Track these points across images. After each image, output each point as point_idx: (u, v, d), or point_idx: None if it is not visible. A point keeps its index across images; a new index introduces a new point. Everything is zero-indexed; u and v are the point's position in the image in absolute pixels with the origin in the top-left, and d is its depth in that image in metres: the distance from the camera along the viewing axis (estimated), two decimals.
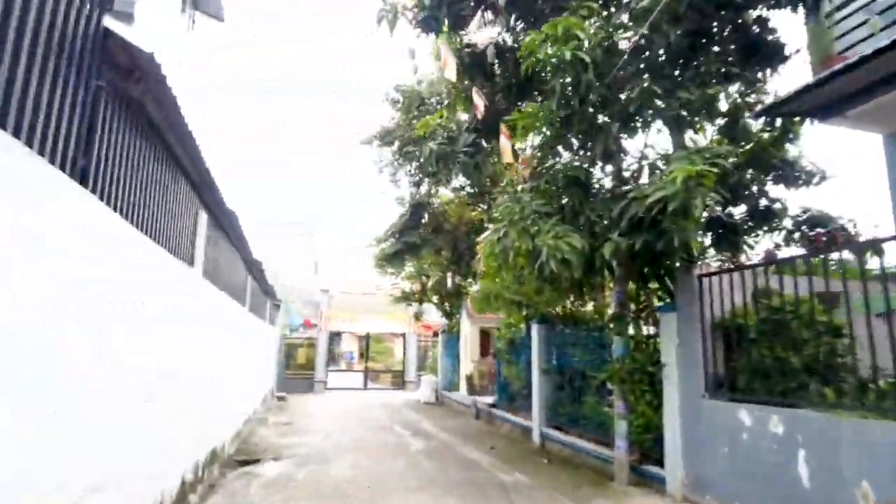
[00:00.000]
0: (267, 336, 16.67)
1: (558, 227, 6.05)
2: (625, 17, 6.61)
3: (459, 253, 14.01)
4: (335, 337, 45.26)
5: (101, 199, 3.37)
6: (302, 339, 24.43)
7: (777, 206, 7.90)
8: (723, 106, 7.41)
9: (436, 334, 28.70)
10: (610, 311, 9.01)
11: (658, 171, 6.48)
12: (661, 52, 6.62)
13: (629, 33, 6.27)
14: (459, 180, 12.93)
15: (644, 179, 6.86)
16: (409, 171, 12.99)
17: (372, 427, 12.76)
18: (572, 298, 10.88)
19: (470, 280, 15.44)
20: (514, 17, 8.06)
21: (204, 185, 5.77)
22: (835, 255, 5.70)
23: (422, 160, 8.66)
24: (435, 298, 18.95)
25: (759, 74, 7.10)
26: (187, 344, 5.84)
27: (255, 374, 13.81)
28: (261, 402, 14.74)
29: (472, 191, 13.29)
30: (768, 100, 6.87)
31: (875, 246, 4.92)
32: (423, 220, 13.29)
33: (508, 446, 10.52)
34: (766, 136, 7.79)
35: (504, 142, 7.21)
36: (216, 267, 7.43)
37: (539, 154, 7.52)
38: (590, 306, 10.99)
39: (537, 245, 5.91)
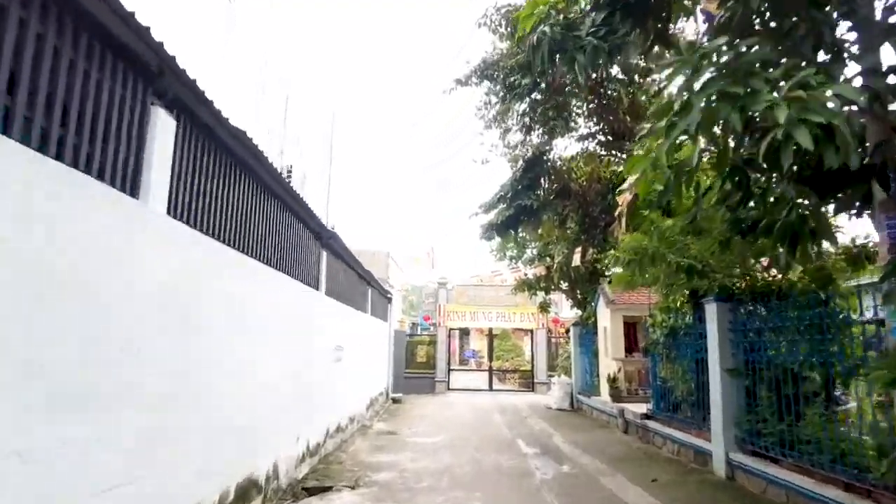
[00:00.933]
0: (375, 332, 14.80)
1: (801, 72, 2.90)
2: None
3: (591, 220, 10.90)
4: (463, 335, 43.48)
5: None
6: (424, 336, 22.60)
7: None
8: None
9: (567, 330, 25.37)
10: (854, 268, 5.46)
11: None
12: None
13: None
14: (584, 126, 9.84)
15: None
16: (517, 113, 10.12)
17: (490, 441, 10.09)
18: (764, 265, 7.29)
19: (607, 254, 12.23)
20: None
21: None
22: None
23: (529, 57, 5.83)
24: (564, 285, 15.85)
25: None
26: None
27: (358, 374, 11.88)
28: (365, 406, 12.80)
29: (604, 138, 10.13)
30: None
31: None
32: (540, 179, 10.41)
33: (678, 478, 7.22)
34: None
35: None
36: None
37: None
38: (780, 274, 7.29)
39: (758, 108, 2.83)
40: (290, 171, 13.16)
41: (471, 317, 21.96)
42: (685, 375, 9.28)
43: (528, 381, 22.11)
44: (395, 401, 16.80)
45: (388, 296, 17.14)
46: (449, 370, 21.91)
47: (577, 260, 11.40)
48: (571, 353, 16.29)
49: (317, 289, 7.92)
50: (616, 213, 6.53)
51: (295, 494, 6.47)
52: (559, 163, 10.85)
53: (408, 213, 62.75)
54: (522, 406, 16.22)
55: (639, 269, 6.44)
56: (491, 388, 21.80)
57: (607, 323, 12.81)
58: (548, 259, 13.98)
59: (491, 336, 23.39)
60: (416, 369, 21.80)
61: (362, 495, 6.34)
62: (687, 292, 8.81)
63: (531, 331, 22.23)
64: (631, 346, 12.82)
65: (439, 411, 14.77)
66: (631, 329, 13.02)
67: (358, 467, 7.70)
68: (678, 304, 9.38)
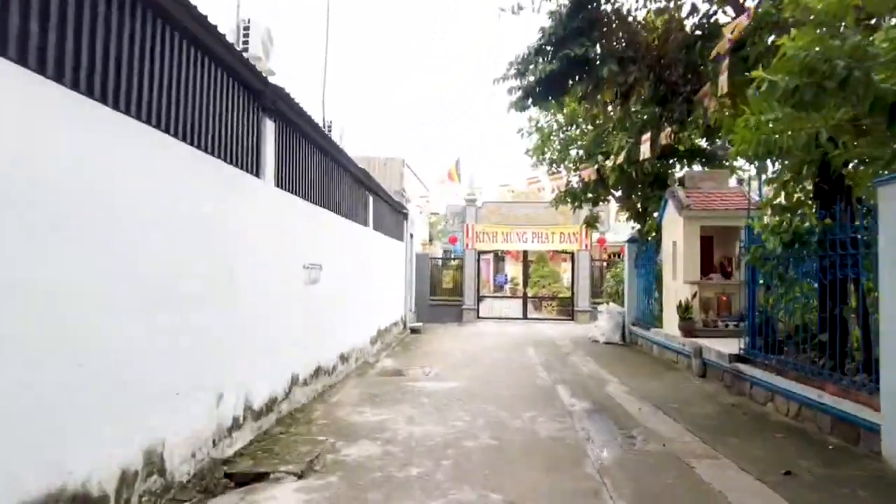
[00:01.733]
0: (384, 251, 12.23)
1: None
2: None
3: (668, 87, 7.63)
4: (498, 261, 40.85)
5: None
6: (451, 260, 20.07)
7: None
8: None
9: (612, 256, 22.33)
10: None
11: None
12: None
13: None
14: None
15: None
16: None
17: (521, 390, 7.53)
18: None
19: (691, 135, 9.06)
20: None
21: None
22: None
23: None
24: (618, 192, 12.75)
25: None
26: None
27: (356, 300, 9.43)
28: (370, 339, 10.43)
29: None
30: None
31: None
32: (597, 24, 7.10)
33: (827, 470, 4.45)
34: None
35: None
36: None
37: None
38: None
39: None
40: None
41: (503, 238, 19.14)
42: (806, 304, 6.35)
43: (568, 310, 19.48)
44: (413, 331, 14.49)
45: (403, 211, 14.41)
46: (478, 297, 19.45)
47: (645, 151, 8.26)
48: (625, 275, 13.38)
49: (255, 174, 5.18)
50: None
51: (206, 487, 4.06)
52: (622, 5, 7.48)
53: (433, 124, 58.45)
54: (562, 338, 13.64)
55: (811, 103, 3.39)
56: (525, 317, 19.31)
57: (678, 236, 9.78)
58: (599, 158, 10.83)
59: (526, 260, 20.62)
60: (442, 297, 19.43)
61: (308, 493, 3.87)
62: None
63: (572, 253, 19.33)
64: (708, 267, 9.83)
65: (463, 344, 12.35)
66: (709, 244, 9.97)
67: (328, 433, 5.25)
68: (795, 206, 6.30)
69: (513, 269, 36.73)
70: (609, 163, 10.07)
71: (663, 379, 8.33)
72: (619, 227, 21.62)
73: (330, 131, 12.86)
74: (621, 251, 22.40)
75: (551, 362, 9.87)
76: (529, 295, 20.26)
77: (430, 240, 31.99)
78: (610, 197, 13.82)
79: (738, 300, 9.34)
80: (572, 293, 19.23)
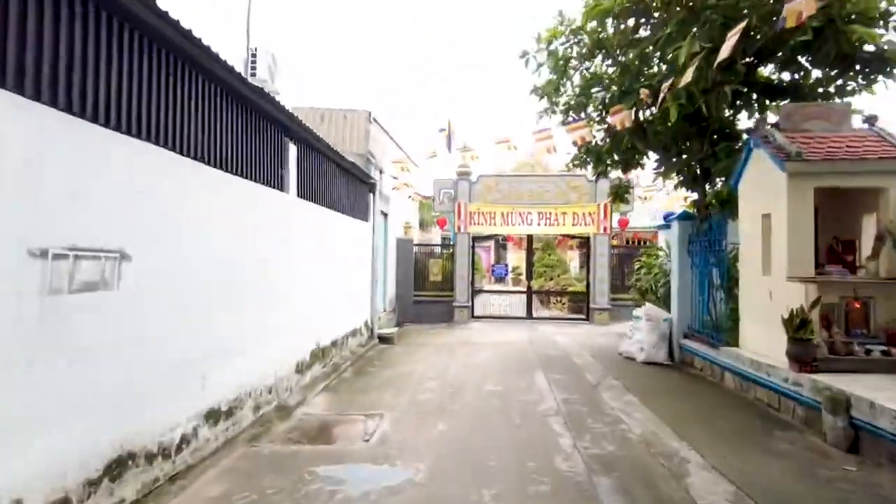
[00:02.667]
0: (341, 235, 8.65)
1: None
2: None
3: None
4: (499, 248, 37.05)
5: None
6: (441, 247, 16.36)
7: None
8: None
9: (639, 242, 18.62)
10: None
11: None
12: None
13: None
14: None
15: None
16: None
17: (532, 487, 3.95)
18: None
19: None
20: None
21: None
22: None
23: None
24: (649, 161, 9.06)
25: None
26: None
27: (288, 304, 5.88)
28: (299, 364, 6.85)
29: None
30: None
31: None
32: None
33: None
34: None
35: None
36: None
37: None
38: None
39: None
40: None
41: (503, 220, 15.46)
42: None
43: (581, 307, 15.85)
44: (383, 340, 10.89)
45: (369, 181, 10.73)
46: (473, 292, 15.82)
47: (725, 51, 4.68)
48: (672, 267, 9.58)
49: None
50: None
51: None
52: None
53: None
54: (580, 351, 10.01)
55: None
56: (530, 315, 15.68)
57: (776, 206, 6.10)
58: (641, 94, 7.10)
59: (530, 246, 16.91)
60: (430, 292, 15.82)
61: None
62: None
63: (587, 238, 15.66)
64: (834, 257, 6.18)
65: (445, 363, 8.75)
66: (835, 216, 6.30)
67: None
68: None
69: (515, 258, 33.13)
70: (661, 91, 6.33)
71: (778, 454, 4.68)
72: (640, 209, 17.92)
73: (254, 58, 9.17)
74: (652, 238, 18.77)
75: (574, 407, 6.22)
76: (535, 288, 16.62)
77: (423, 225, 28.27)
78: (645, 159, 10.07)
79: (883, 308, 5.67)
80: (588, 287, 15.57)
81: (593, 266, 15.26)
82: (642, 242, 17.47)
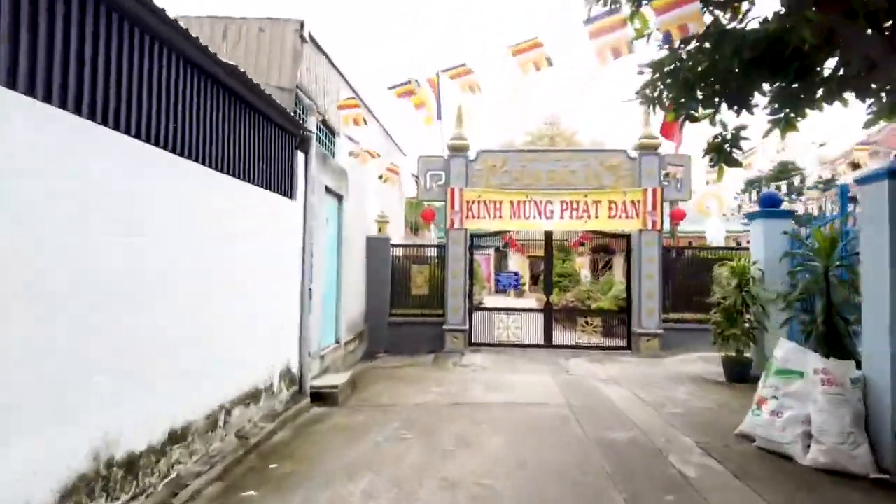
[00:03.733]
0: (255, 218, 4.26)
1: None
2: None
3: None
4: (501, 258, 32.52)
5: None
6: (428, 248, 11.86)
7: None
8: None
9: (697, 248, 14.27)
10: None
11: None
12: None
13: None
14: None
15: None
16: None
17: None
18: None
19: None
20: None
21: None
22: None
23: None
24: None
25: None
26: None
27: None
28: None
29: None
30: None
31: None
32: None
33: None
34: None
35: None
36: None
37: None
38: None
39: None
40: None
41: (512, 211, 11.07)
42: None
43: (618, 330, 11.42)
44: (320, 398, 6.45)
45: (293, 131, 6.31)
46: (470, 310, 11.42)
47: None
48: (866, 270, 5.00)
49: None
50: None
51: None
52: None
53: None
54: (667, 428, 5.54)
55: None
56: (549, 342, 11.24)
57: None
58: None
59: (549, 247, 12.27)
60: (412, 309, 11.44)
61: None
62: None
63: (627, 237, 11.28)
64: None
65: (412, 471, 4.39)
66: None
67: None
68: None
69: (517, 265, 28.69)
70: None
71: None
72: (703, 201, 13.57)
73: None
74: (739, 241, 14.03)
75: None
76: (555, 305, 12.13)
77: (414, 229, 23.80)
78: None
79: None
80: (629, 304, 11.15)
81: (637, 275, 10.85)
82: (693, 249, 13.02)
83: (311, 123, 6.64)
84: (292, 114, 6.27)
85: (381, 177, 9.94)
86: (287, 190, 6.19)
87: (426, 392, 7.08)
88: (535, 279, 25.78)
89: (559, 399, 6.67)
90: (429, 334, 11.11)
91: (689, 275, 11.07)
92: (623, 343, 11.13)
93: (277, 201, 5.91)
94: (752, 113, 5.41)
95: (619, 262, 19.46)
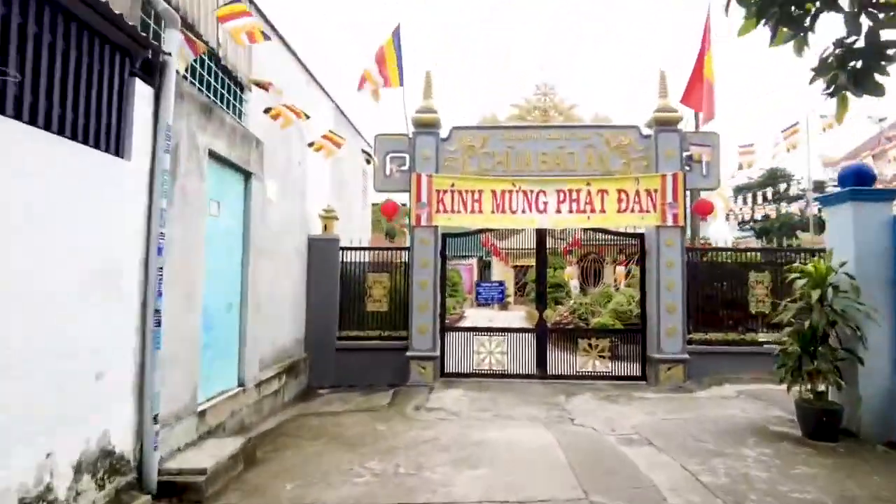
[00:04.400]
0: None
1: None
2: None
3: None
4: (484, 268, 29.99)
5: None
6: (386, 252, 9.16)
7: None
8: None
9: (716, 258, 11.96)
10: None
11: None
12: None
13: None
14: None
15: None
16: None
17: None
18: None
19: None
20: None
21: None
22: None
23: None
24: None
25: None
26: None
27: None
28: None
29: None
30: None
31: None
32: None
33: None
34: None
35: None
36: None
37: None
38: None
39: None
40: None
41: (495, 203, 8.58)
42: None
43: (627, 352, 8.90)
44: (173, 491, 3.86)
45: (139, 50, 3.74)
46: (442, 330, 8.87)
47: None
48: None
49: None
50: None
51: None
52: None
53: None
54: None
55: None
56: (544, 372, 8.71)
57: None
58: None
59: (542, 249, 9.59)
60: (368, 330, 8.89)
61: None
62: None
63: (641, 237, 8.87)
64: None
65: None
66: None
67: None
68: None
69: (501, 273, 26.24)
70: None
71: None
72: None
73: None
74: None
75: None
76: (550, 322, 9.54)
77: (391, 235, 21.25)
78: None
79: None
80: (643, 321, 8.70)
81: (655, 285, 8.41)
82: (721, 251, 10.69)
83: (171, 41, 4.08)
84: (134, 25, 3.70)
85: (311, 144, 7.37)
86: (111, 142, 3.60)
87: (361, 470, 4.50)
88: (521, 289, 23.25)
89: (570, 486, 4.13)
90: (390, 362, 8.54)
91: (715, 284, 8.68)
92: (636, 371, 8.66)
93: (87, 160, 3.32)
94: None
95: (614, 269, 17.10)
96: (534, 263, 9.59)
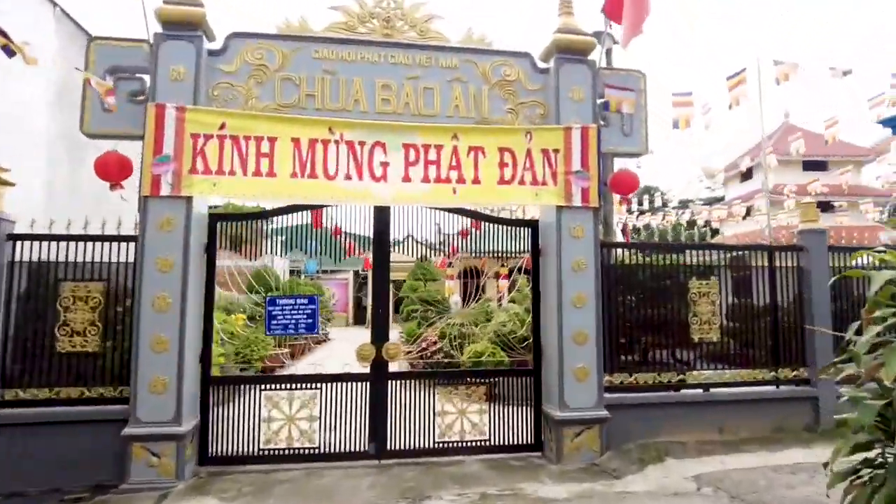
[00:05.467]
0: None
1: None
2: None
3: None
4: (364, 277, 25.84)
5: None
6: (105, 242, 5.07)
7: None
8: None
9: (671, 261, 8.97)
10: None
11: None
12: None
13: None
14: None
15: None
16: None
17: None
18: None
19: None
20: None
21: None
22: None
23: None
24: None
25: None
26: None
27: None
28: None
29: None
30: None
31: None
32: None
33: None
34: None
35: None
36: None
37: None
38: None
39: None
40: None
41: (299, 160, 4.98)
42: None
43: (514, 395, 5.66)
44: None
45: None
46: (206, 381, 5.00)
47: None
48: None
49: None
50: None
51: None
52: None
53: None
54: None
55: None
56: (383, 449, 5.18)
57: None
58: None
59: (383, 248, 5.99)
60: (59, 387, 4.74)
61: None
62: None
63: (532, 226, 5.72)
64: None
65: None
66: None
67: None
68: None
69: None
70: None
71: None
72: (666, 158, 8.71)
73: None
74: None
75: None
76: (398, 356, 5.98)
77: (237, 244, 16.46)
78: None
79: None
80: (536, 356, 5.51)
81: (554, 298, 5.24)
82: (644, 249, 7.83)
83: None
84: None
85: None
86: None
87: None
88: (397, 306, 19.77)
89: None
90: (101, 445, 4.53)
91: (643, 297, 5.76)
92: (527, 434, 5.42)
93: None
94: None
95: (497, 278, 14.21)
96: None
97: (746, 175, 24.92)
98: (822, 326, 5.46)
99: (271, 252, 5.94)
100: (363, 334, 5.74)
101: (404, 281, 16.14)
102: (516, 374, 5.71)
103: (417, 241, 5.58)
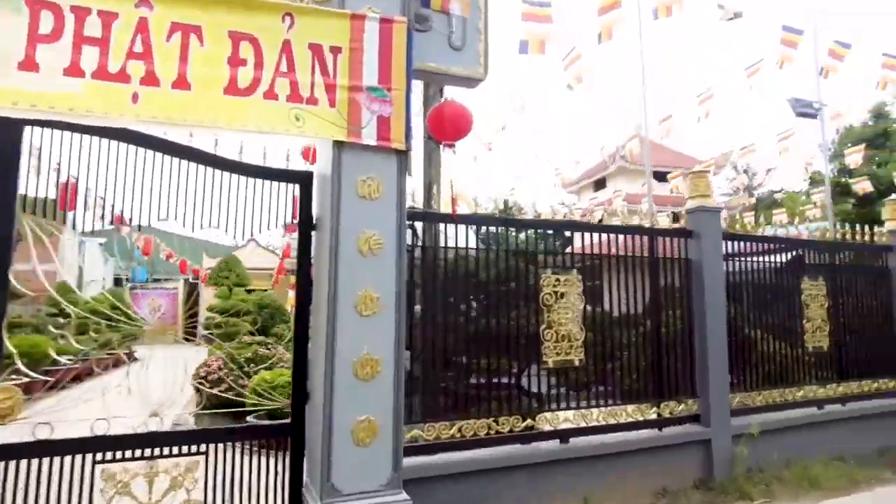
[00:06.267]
0: None
1: None
2: None
3: None
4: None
5: None
6: None
7: None
8: None
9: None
10: None
11: None
12: None
13: None
14: None
15: None
16: None
17: None
18: None
19: None
20: None
21: None
22: None
23: None
24: None
25: None
26: None
27: None
28: None
29: None
30: None
31: None
32: None
33: None
34: None
35: None
36: None
37: None
38: None
39: None
40: None
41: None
42: None
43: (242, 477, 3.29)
44: None
45: None
46: None
47: None
48: None
49: None
50: None
51: None
52: None
53: None
54: None
55: None
56: None
57: None
58: None
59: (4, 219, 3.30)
60: None
61: None
62: None
63: (304, 178, 3.44)
64: None
65: None
66: None
67: None
68: None
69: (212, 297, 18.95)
70: None
71: None
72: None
73: None
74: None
75: None
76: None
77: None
78: None
79: None
80: (297, 387, 3.18)
81: (330, 305, 2.96)
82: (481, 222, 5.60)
83: None
84: None
85: None
86: None
87: None
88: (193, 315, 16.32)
89: None
90: None
91: (479, 301, 3.71)
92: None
93: None
94: None
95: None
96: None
97: (600, 184, 25.76)
98: (718, 338, 3.81)
99: None
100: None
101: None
102: (257, 433, 3.28)
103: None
